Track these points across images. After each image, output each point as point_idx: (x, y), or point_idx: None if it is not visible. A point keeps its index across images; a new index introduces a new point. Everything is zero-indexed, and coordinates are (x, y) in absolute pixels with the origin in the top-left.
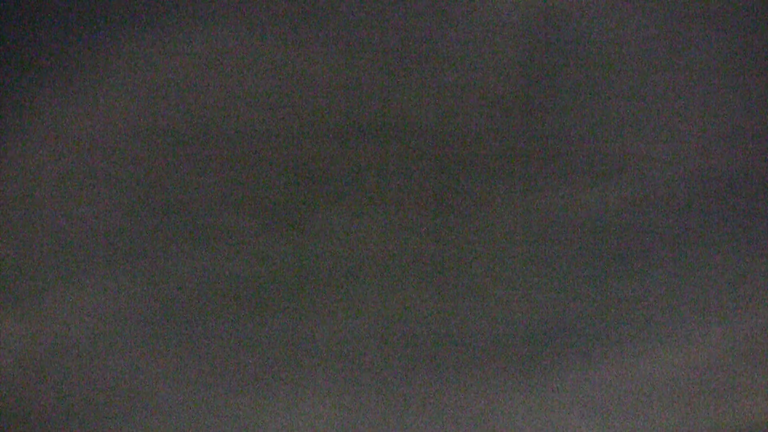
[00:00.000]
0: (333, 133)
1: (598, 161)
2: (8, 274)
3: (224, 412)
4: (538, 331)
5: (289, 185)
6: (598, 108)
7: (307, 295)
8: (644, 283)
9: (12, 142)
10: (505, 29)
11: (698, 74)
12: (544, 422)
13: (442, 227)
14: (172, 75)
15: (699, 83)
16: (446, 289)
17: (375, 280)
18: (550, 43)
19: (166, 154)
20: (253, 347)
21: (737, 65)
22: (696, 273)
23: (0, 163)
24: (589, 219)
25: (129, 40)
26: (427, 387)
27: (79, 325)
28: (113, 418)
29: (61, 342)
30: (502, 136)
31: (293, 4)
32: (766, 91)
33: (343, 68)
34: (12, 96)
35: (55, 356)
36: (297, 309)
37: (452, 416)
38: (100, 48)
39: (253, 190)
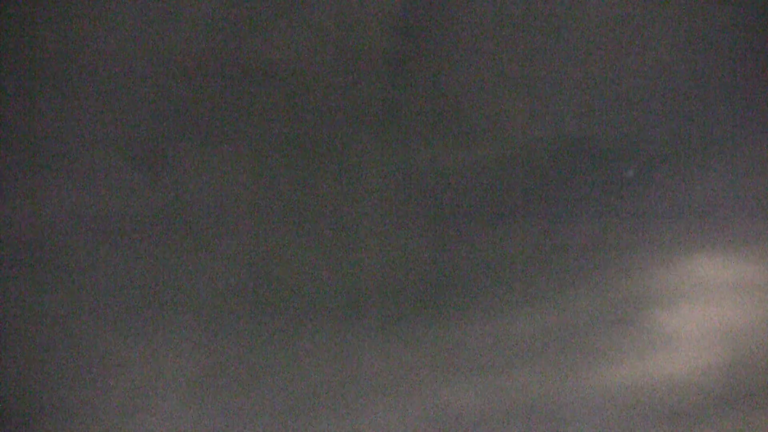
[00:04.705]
0: (206, 75)
1: (464, 121)
2: None
3: (82, 352)
4: (402, 286)
5: (157, 125)
6: (468, 68)
7: (172, 235)
8: (511, 243)
9: None
10: None
11: (565, 44)
12: (404, 378)
13: (312, 175)
14: None
15: (565, 52)
16: (312, 237)
17: (241, 224)
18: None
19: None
20: (116, 287)
21: (599, 36)
22: (560, 235)
23: None
24: (454, 177)
25: None
26: (289, 336)
27: None
28: None
29: None
30: (374, 88)
31: None
32: (623, 65)
33: (218, 10)
34: None
35: None
36: (161, 249)
37: (315, 367)
38: None
39: (121, 128)
